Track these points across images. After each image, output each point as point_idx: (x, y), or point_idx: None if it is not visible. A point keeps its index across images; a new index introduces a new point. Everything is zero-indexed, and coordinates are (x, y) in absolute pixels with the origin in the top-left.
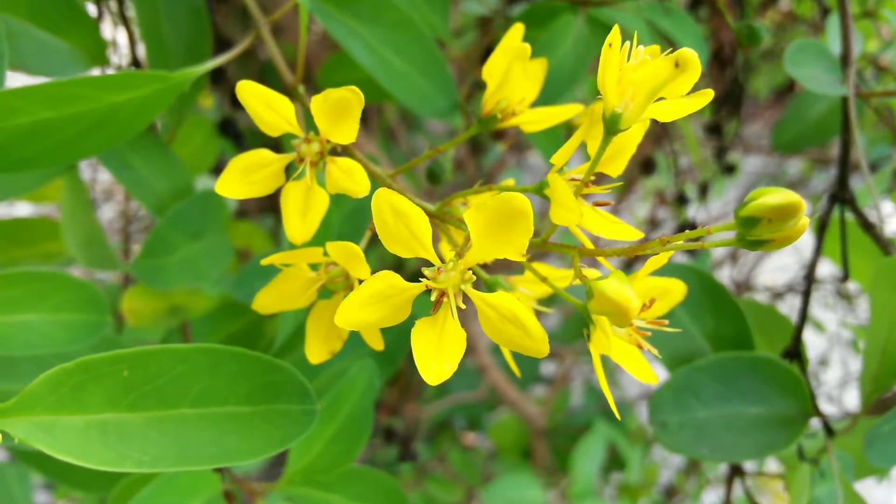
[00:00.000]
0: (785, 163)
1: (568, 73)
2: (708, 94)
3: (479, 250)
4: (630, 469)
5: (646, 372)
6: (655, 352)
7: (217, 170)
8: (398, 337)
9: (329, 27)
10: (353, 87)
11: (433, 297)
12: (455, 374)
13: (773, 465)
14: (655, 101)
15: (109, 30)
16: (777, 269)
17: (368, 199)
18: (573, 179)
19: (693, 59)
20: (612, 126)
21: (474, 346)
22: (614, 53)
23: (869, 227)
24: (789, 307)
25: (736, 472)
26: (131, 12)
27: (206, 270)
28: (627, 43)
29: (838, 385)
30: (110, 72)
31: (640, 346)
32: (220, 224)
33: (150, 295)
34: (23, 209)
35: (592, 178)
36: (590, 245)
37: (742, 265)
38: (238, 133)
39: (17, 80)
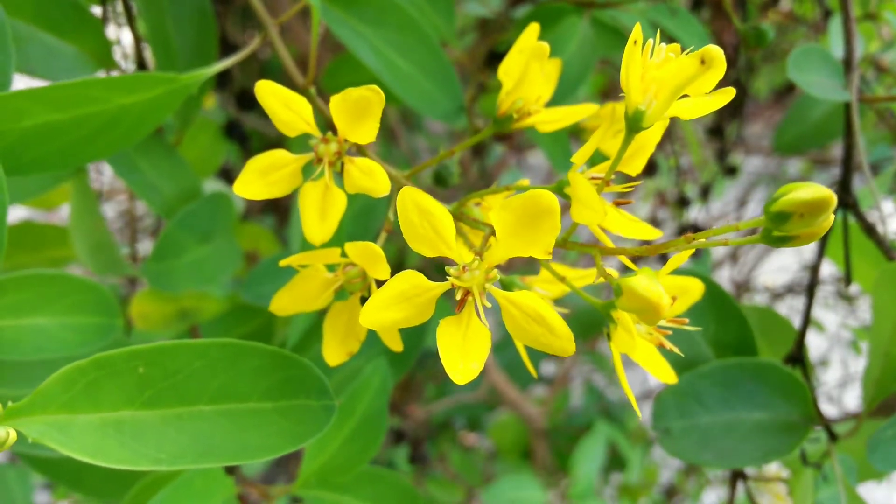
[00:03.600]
0: (785, 163)
1: (574, 74)
2: (729, 92)
3: (505, 248)
4: (630, 469)
5: (664, 370)
6: (678, 350)
7: (223, 172)
8: (410, 337)
9: (335, 29)
10: (374, 87)
11: (458, 297)
12: None
13: (773, 465)
14: (678, 98)
15: (114, 31)
16: (777, 269)
17: (375, 198)
18: (593, 178)
19: (719, 56)
20: (634, 124)
21: None
22: (638, 50)
23: (871, 232)
24: (789, 307)
25: (738, 474)
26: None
27: (216, 273)
28: (650, 40)
29: (838, 385)
30: (116, 74)
31: (661, 346)
32: (229, 226)
33: (158, 298)
34: (18, 213)
35: (612, 176)
36: (610, 244)
37: (742, 265)
38: (244, 135)
39: (22, 83)
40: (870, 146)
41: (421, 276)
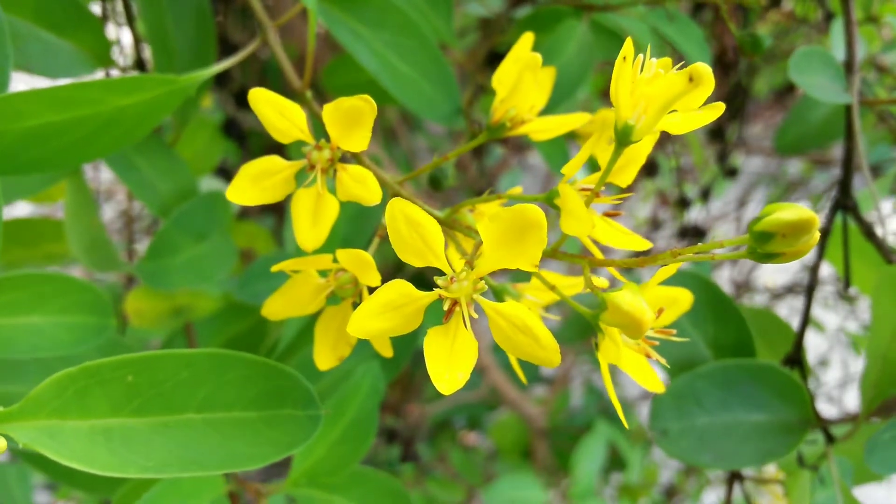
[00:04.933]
0: (785, 163)
1: (572, 77)
2: (719, 108)
3: (492, 260)
4: (630, 469)
5: (652, 380)
6: (664, 361)
7: (221, 171)
8: (402, 340)
9: (334, 30)
10: (366, 96)
11: (445, 307)
12: None
13: (771, 466)
14: (667, 113)
15: (113, 30)
16: (777, 269)
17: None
18: (583, 189)
19: (707, 74)
20: (624, 138)
21: None
22: (628, 66)
23: (871, 235)
24: (789, 307)
25: (735, 475)
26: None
27: (211, 272)
28: (640, 55)
29: (838, 385)
30: (115, 73)
31: (648, 356)
32: (224, 225)
33: (153, 296)
34: (21, 209)
35: (602, 188)
36: (599, 255)
37: (742, 265)
38: (242, 134)
39: (21, 80)
40: (869, 147)
41: (409, 285)
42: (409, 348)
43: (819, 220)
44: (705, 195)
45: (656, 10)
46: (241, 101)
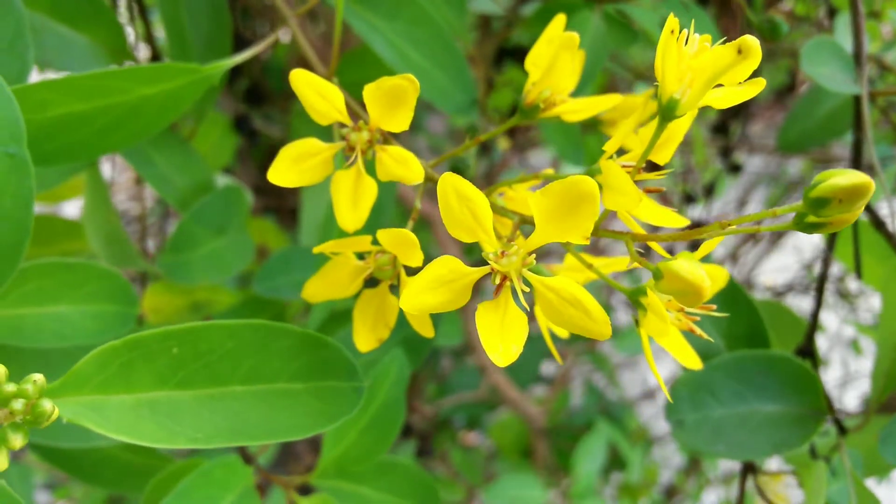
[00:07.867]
0: (785, 163)
1: (586, 69)
2: (760, 83)
3: (544, 234)
4: (631, 469)
5: (690, 356)
6: (706, 336)
7: (223, 171)
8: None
9: (351, 22)
10: (409, 75)
11: (495, 281)
12: (456, 373)
13: (773, 464)
14: (712, 88)
15: (128, 23)
16: (777, 269)
17: (383, 195)
18: (624, 166)
19: (755, 46)
20: (668, 112)
21: (475, 345)
22: (673, 40)
23: (881, 225)
24: (789, 307)
25: (749, 469)
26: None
27: (230, 266)
28: (685, 30)
29: (839, 385)
30: (130, 65)
31: (691, 331)
32: (242, 220)
33: (171, 291)
34: None
35: (643, 164)
36: (640, 230)
37: (742, 265)
38: (253, 130)
39: (34, 74)
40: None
41: (458, 261)
42: (430, 339)
43: (873, 184)
44: (709, 192)
45: (668, 0)
46: (252, 97)
